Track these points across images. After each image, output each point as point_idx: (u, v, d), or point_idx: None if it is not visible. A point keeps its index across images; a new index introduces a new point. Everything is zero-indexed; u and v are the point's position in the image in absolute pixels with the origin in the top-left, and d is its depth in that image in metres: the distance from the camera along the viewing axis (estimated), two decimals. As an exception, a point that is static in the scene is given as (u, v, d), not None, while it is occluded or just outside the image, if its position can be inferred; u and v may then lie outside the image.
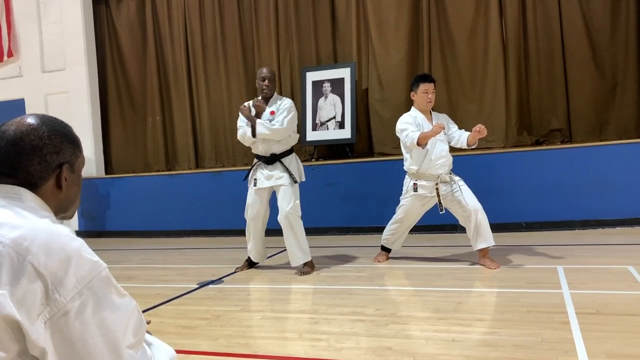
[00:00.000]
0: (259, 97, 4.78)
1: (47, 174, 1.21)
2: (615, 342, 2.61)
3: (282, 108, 4.68)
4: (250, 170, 4.84)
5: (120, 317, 1.12)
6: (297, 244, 4.64)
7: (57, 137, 1.23)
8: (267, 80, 4.69)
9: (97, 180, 8.22)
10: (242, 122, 4.75)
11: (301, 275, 4.62)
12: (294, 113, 4.71)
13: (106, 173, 8.54)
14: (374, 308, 3.48)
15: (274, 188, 4.71)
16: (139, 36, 8.44)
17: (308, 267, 4.70)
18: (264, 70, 4.77)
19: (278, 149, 4.71)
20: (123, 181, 8.11)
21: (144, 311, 3.69)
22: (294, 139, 4.82)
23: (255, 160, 4.83)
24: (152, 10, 8.32)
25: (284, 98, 4.83)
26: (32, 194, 1.19)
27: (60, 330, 1.05)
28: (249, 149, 4.91)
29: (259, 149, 4.74)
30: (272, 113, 4.69)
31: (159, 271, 5.36)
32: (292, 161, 4.76)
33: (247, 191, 4.89)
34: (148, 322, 1.54)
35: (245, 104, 4.82)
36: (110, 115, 8.64)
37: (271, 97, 4.76)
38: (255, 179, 4.75)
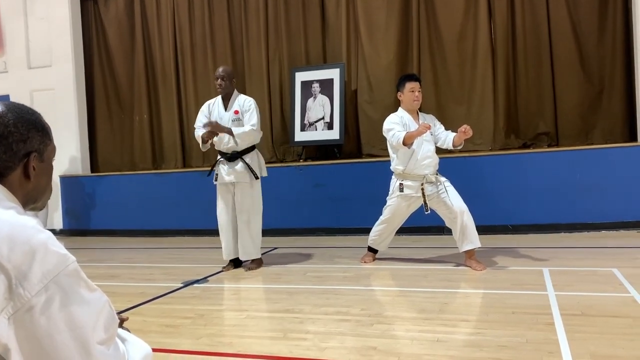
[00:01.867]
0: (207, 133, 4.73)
1: (13, 164, 1.17)
2: (599, 343, 2.60)
3: (248, 109, 4.77)
4: (213, 166, 4.95)
5: (90, 312, 1.08)
6: (250, 240, 4.81)
7: (23, 124, 1.18)
8: (219, 79, 4.80)
9: (82, 178, 8.13)
10: (199, 122, 4.88)
11: (247, 270, 4.79)
12: (258, 112, 4.84)
13: (92, 171, 8.43)
14: (359, 308, 3.46)
15: (235, 184, 4.81)
16: (127, 34, 8.36)
17: (255, 264, 4.89)
18: (219, 69, 4.86)
19: (241, 147, 4.78)
20: (109, 179, 8.03)
21: (126, 310, 3.65)
22: (257, 137, 4.89)
23: (218, 156, 4.92)
24: (140, 8, 8.25)
25: (245, 96, 4.91)
26: None
27: (25, 326, 1.00)
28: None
29: (221, 147, 4.83)
30: (236, 112, 4.79)
31: (143, 270, 5.30)
32: (254, 157, 4.86)
33: None
34: (126, 319, 1.51)
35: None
36: (97, 113, 8.55)
37: (230, 95, 4.85)
38: (217, 174, 4.85)
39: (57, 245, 1.07)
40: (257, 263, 4.91)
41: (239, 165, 4.77)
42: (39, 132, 1.22)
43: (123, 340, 1.27)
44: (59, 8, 8.23)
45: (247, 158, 4.79)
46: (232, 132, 4.71)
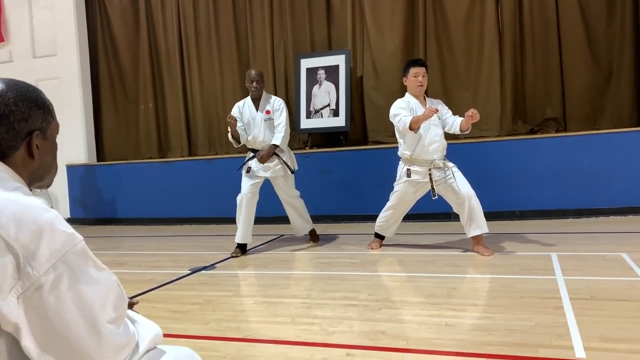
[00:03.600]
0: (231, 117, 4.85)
1: (16, 143, 1.15)
2: (609, 327, 2.59)
3: (278, 108, 5.03)
4: (244, 162, 5.08)
5: (99, 291, 1.07)
6: (301, 218, 5.26)
7: (24, 103, 1.16)
8: (255, 82, 4.98)
9: (88, 167, 8.15)
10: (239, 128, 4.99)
11: (314, 242, 5.31)
12: (287, 112, 5.08)
13: (98, 160, 8.45)
14: (367, 293, 3.46)
15: (270, 178, 5.02)
16: (132, 22, 8.32)
17: (313, 237, 5.37)
18: (252, 72, 5.02)
19: (283, 146, 5.00)
20: (115, 168, 8.04)
21: (135, 296, 3.66)
22: (288, 134, 5.11)
23: (250, 153, 5.09)
24: (144, -4, 8.21)
25: (274, 97, 5.15)
26: (2, 164, 1.13)
27: (34, 305, 1.00)
28: None
29: (255, 144, 5.03)
30: (268, 112, 5.01)
31: (151, 257, 5.32)
32: (286, 153, 5.07)
33: (239, 179, 5.09)
34: (136, 302, 1.50)
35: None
36: (102, 101, 8.54)
37: (260, 95, 5.05)
38: (250, 167, 5.00)
39: (64, 225, 1.06)
40: (312, 234, 5.37)
41: (275, 162, 4.98)
42: (41, 109, 1.19)
43: (133, 321, 1.27)
44: (63, -4, 8.20)
45: (282, 154, 5.02)
46: (274, 148, 4.93)
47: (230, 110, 5.11)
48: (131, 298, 1.46)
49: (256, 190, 5.00)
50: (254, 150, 5.05)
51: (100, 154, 8.55)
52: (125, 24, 8.34)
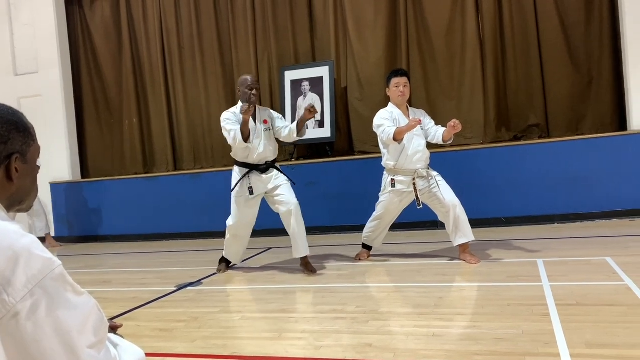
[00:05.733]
0: (247, 105, 4.36)
1: None
2: (594, 332, 2.60)
3: (277, 115, 4.72)
4: (239, 181, 4.58)
5: (77, 315, 1.05)
6: (302, 234, 4.53)
7: (3, 126, 1.15)
8: (255, 90, 4.50)
9: (73, 185, 8.07)
10: (233, 125, 4.46)
11: (309, 274, 4.46)
12: None
13: (82, 177, 8.37)
14: (354, 305, 3.45)
15: (270, 190, 4.59)
16: (114, 37, 8.30)
17: (310, 264, 4.57)
18: (251, 78, 4.54)
19: (272, 157, 4.65)
20: (99, 185, 7.97)
21: (119, 315, 3.62)
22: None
23: (243, 169, 4.60)
24: (127, 11, 8.19)
25: (261, 106, 4.79)
26: None
27: (11, 333, 0.98)
28: (229, 149, 4.75)
29: (253, 158, 4.56)
30: (265, 122, 4.61)
31: (136, 274, 5.26)
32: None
33: (228, 193, 4.71)
34: (120, 326, 1.48)
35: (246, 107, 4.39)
36: (86, 118, 8.48)
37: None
38: (251, 187, 4.55)
39: (41, 249, 1.05)
40: (309, 262, 4.59)
41: (273, 173, 4.62)
42: (21, 132, 1.19)
43: (115, 345, 1.25)
44: (44, 13, 8.16)
45: (278, 166, 4.72)
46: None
47: (216, 123, 4.76)
48: (114, 318, 1.44)
49: (256, 208, 4.64)
50: (248, 166, 4.57)
51: (85, 171, 8.48)
52: (107, 39, 8.31)
